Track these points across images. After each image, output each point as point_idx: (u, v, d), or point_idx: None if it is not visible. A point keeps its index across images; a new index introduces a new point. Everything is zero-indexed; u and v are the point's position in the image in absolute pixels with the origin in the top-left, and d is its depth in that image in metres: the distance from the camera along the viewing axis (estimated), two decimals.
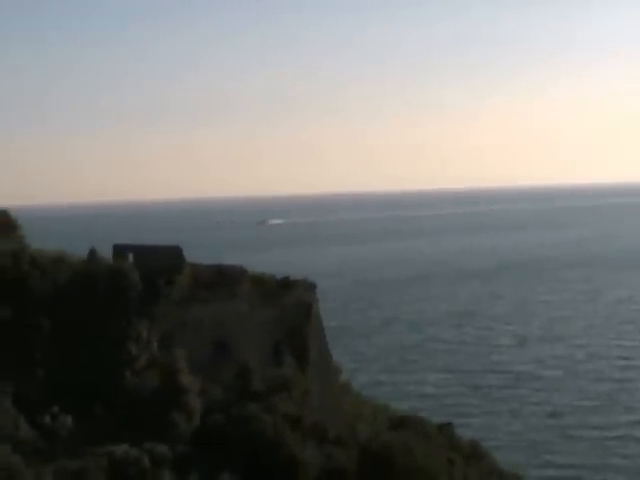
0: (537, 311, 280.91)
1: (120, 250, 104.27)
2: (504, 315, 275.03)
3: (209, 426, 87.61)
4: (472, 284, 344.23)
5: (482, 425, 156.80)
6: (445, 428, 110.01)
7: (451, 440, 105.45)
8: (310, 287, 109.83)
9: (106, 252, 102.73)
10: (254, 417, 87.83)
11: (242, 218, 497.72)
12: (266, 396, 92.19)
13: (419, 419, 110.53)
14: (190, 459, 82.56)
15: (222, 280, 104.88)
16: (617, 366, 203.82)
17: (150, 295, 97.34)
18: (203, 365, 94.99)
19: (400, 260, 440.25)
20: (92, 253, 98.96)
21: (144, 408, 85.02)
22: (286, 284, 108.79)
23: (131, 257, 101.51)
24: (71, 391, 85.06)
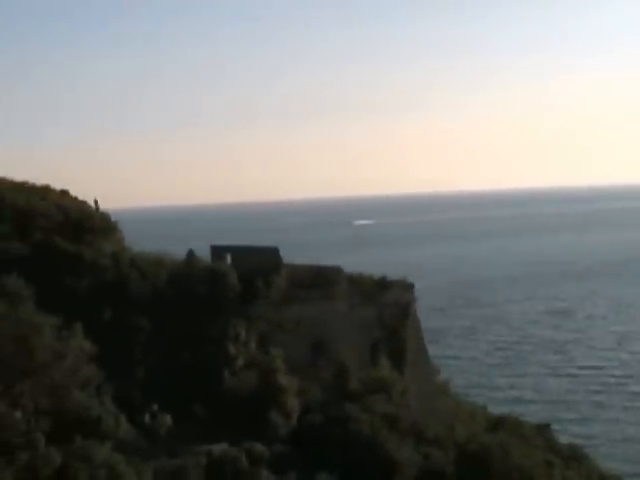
0: (637, 311, 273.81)
1: (218, 251, 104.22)
2: (603, 315, 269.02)
3: (307, 426, 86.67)
4: (569, 283, 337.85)
5: (580, 429, 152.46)
6: (543, 430, 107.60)
7: (549, 442, 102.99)
8: (408, 287, 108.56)
9: (204, 253, 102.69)
10: (352, 417, 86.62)
11: (329, 219, 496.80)
12: (364, 396, 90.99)
13: (517, 420, 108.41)
14: (287, 459, 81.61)
15: (320, 280, 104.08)
16: None
17: (248, 296, 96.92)
18: (301, 365, 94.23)
19: (494, 259, 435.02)
20: (190, 254, 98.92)
21: (242, 408, 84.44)
22: (384, 284, 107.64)
23: (229, 258, 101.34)
24: (170, 390, 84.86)
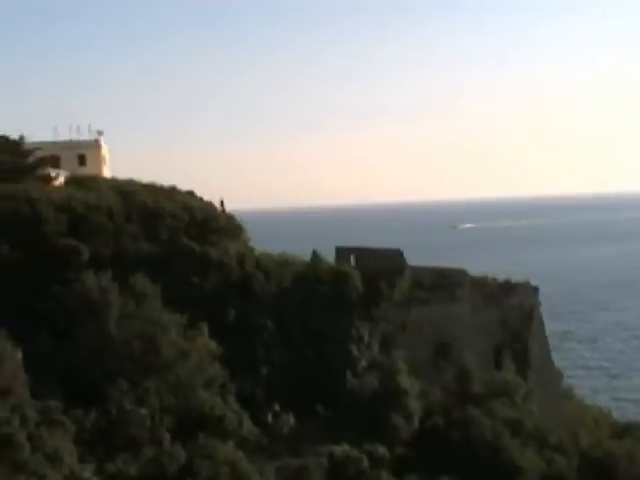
0: None
1: (342, 252, 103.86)
2: None
3: (428, 428, 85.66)
4: None
5: None
6: None
7: None
8: (532, 290, 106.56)
9: (329, 254, 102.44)
10: (474, 421, 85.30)
11: (432, 223, 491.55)
12: (486, 400, 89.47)
13: None
14: (408, 461, 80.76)
15: (443, 282, 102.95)
16: None
17: (371, 297, 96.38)
18: (423, 367, 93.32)
19: (613, 264, 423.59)
20: (315, 255, 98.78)
21: (364, 409, 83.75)
22: (508, 287, 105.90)
23: (353, 259, 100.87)
24: (293, 390, 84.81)
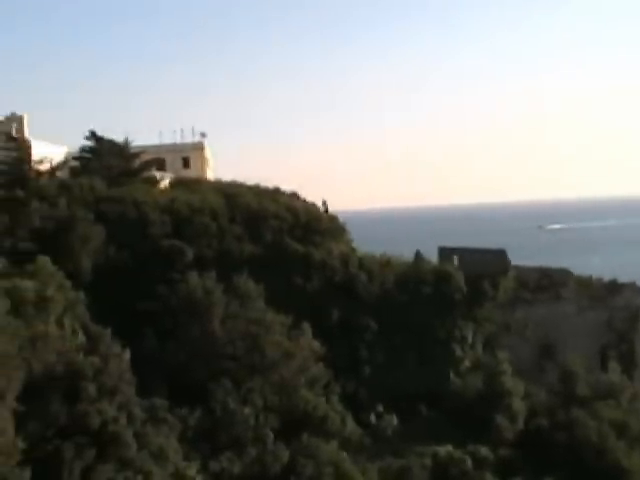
0: None
1: (445, 252, 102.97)
2: None
3: (533, 430, 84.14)
4: None
5: None
6: None
7: None
8: (638, 291, 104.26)
9: (431, 254, 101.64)
10: (579, 422, 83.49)
11: (516, 224, 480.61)
12: (591, 401, 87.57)
13: None
14: (512, 463, 79.47)
15: (547, 282, 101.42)
16: None
17: (475, 297, 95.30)
18: (527, 368, 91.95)
19: None
20: (418, 256, 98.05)
21: (468, 409, 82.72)
22: (613, 287, 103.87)
23: (456, 259, 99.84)
24: (396, 390, 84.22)
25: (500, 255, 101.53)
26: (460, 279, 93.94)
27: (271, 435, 70.76)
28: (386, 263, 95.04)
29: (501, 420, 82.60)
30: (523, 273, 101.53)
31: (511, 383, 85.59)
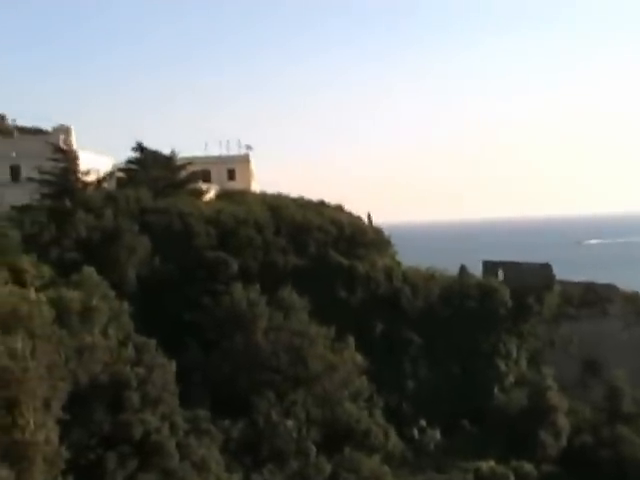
0: None
1: (490, 266, 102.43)
2: None
3: (577, 446, 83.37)
4: None
5: None
6: None
7: None
8: None
9: (476, 269, 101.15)
10: (624, 439, 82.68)
11: (554, 238, 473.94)
12: (637, 418, 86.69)
13: None
14: (556, 479, 78.82)
15: (593, 298, 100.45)
16: None
17: (520, 312, 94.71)
18: (571, 384, 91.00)
19: None
20: (462, 270, 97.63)
21: (511, 425, 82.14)
22: None
23: (501, 274, 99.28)
24: (439, 405, 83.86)
25: (545, 269, 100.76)
26: (505, 293, 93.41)
27: (313, 448, 70.68)
28: (430, 277, 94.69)
29: (545, 436, 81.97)
30: (568, 288, 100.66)
31: (556, 399, 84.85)
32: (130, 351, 60.54)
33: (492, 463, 78.01)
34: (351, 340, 78.91)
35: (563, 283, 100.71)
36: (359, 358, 78.64)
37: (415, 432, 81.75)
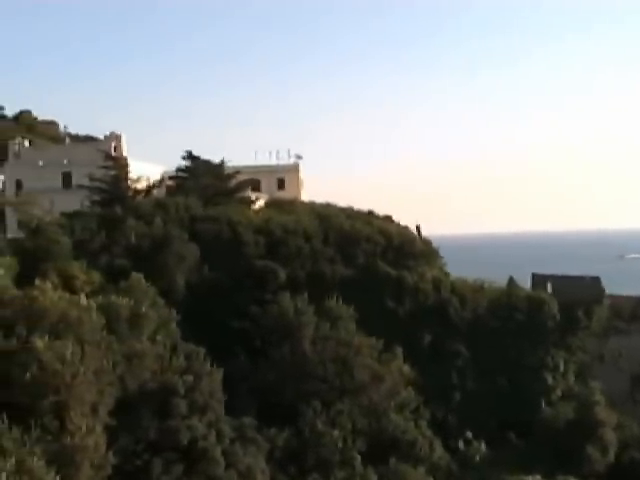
0: None
1: (539, 279, 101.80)
2: None
3: (625, 462, 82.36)
4: None
5: None
6: None
7: None
8: None
9: (524, 281, 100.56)
10: None
11: (595, 252, 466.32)
12: None
13: None
14: None
15: None
16: None
17: (568, 326, 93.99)
18: (620, 399, 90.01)
19: None
20: (511, 282, 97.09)
21: (558, 439, 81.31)
22: None
23: (550, 286, 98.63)
24: (485, 417, 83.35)
25: (594, 283, 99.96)
26: (554, 306, 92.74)
27: (359, 458, 70.39)
28: (479, 288, 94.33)
29: (592, 451, 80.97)
30: (618, 302, 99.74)
31: (604, 414, 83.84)
32: (180, 359, 60.92)
33: (538, 477, 77.17)
34: (399, 351, 78.70)
35: (613, 297, 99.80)
36: (406, 369, 78.40)
37: (461, 444, 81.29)
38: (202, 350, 63.44)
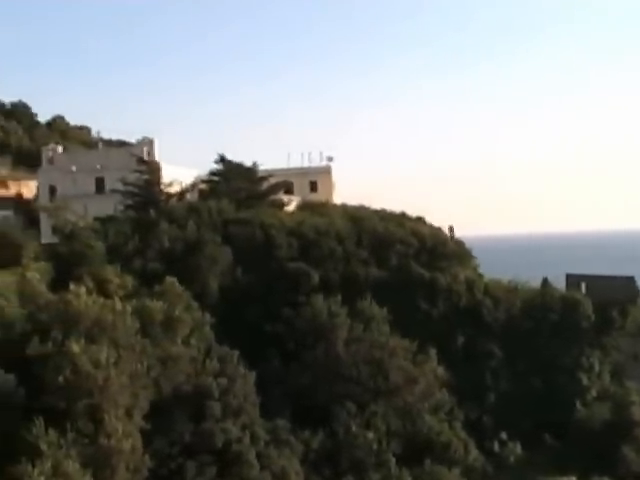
0: None
1: (573, 280, 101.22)
2: None
3: None
4: None
5: None
6: None
7: None
8: None
9: (558, 281, 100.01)
10: None
11: (628, 253, 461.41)
12: None
13: None
14: None
15: None
16: None
17: (603, 326, 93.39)
18: None
19: None
20: (545, 282, 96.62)
21: (593, 440, 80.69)
22: None
23: (584, 287, 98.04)
24: (520, 418, 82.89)
25: (629, 283, 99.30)
26: (588, 307, 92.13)
27: (393, 460, 70.28)
28: (512, 289, 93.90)
29: (628, 452, 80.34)
30: None
31: (639, 414, 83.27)
32: (214, 362, 61.12)
33: (573, 478, 76.69)
34: (432, 352, 78.54)
35: None
36: (440, 370, 78.25)
37: (495, 445, 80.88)
38: (236, 353, 63.67)
